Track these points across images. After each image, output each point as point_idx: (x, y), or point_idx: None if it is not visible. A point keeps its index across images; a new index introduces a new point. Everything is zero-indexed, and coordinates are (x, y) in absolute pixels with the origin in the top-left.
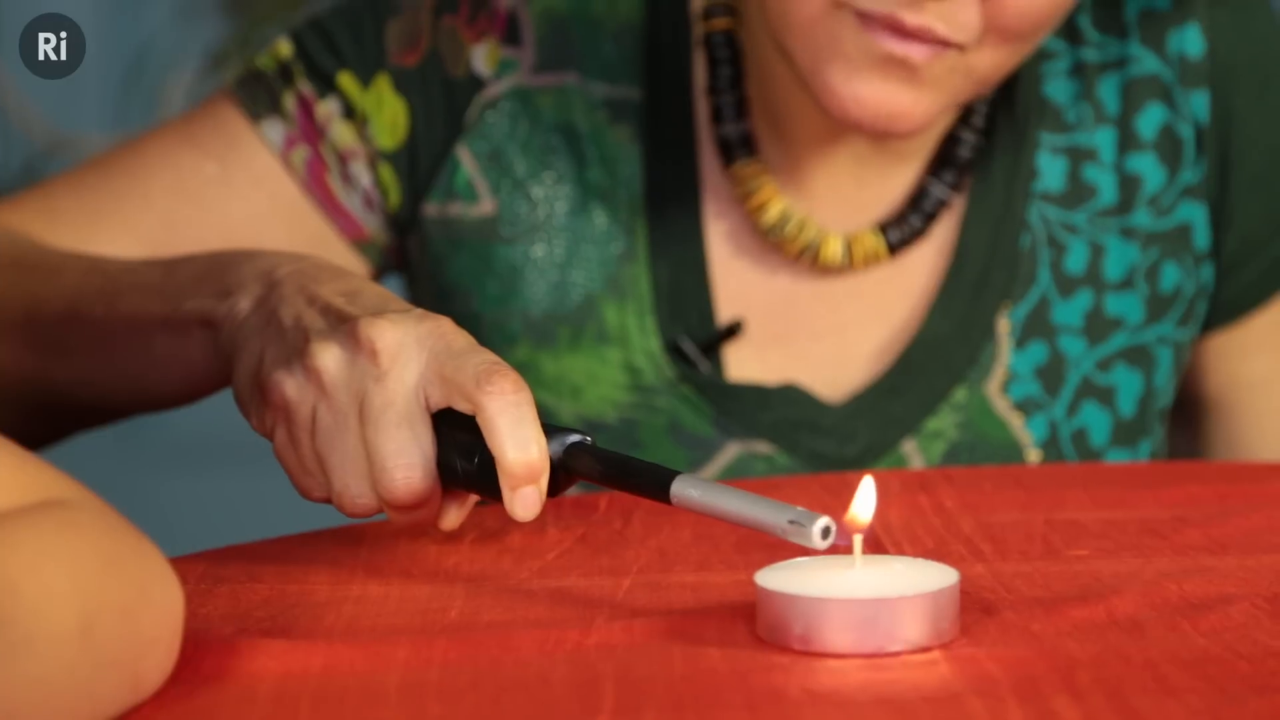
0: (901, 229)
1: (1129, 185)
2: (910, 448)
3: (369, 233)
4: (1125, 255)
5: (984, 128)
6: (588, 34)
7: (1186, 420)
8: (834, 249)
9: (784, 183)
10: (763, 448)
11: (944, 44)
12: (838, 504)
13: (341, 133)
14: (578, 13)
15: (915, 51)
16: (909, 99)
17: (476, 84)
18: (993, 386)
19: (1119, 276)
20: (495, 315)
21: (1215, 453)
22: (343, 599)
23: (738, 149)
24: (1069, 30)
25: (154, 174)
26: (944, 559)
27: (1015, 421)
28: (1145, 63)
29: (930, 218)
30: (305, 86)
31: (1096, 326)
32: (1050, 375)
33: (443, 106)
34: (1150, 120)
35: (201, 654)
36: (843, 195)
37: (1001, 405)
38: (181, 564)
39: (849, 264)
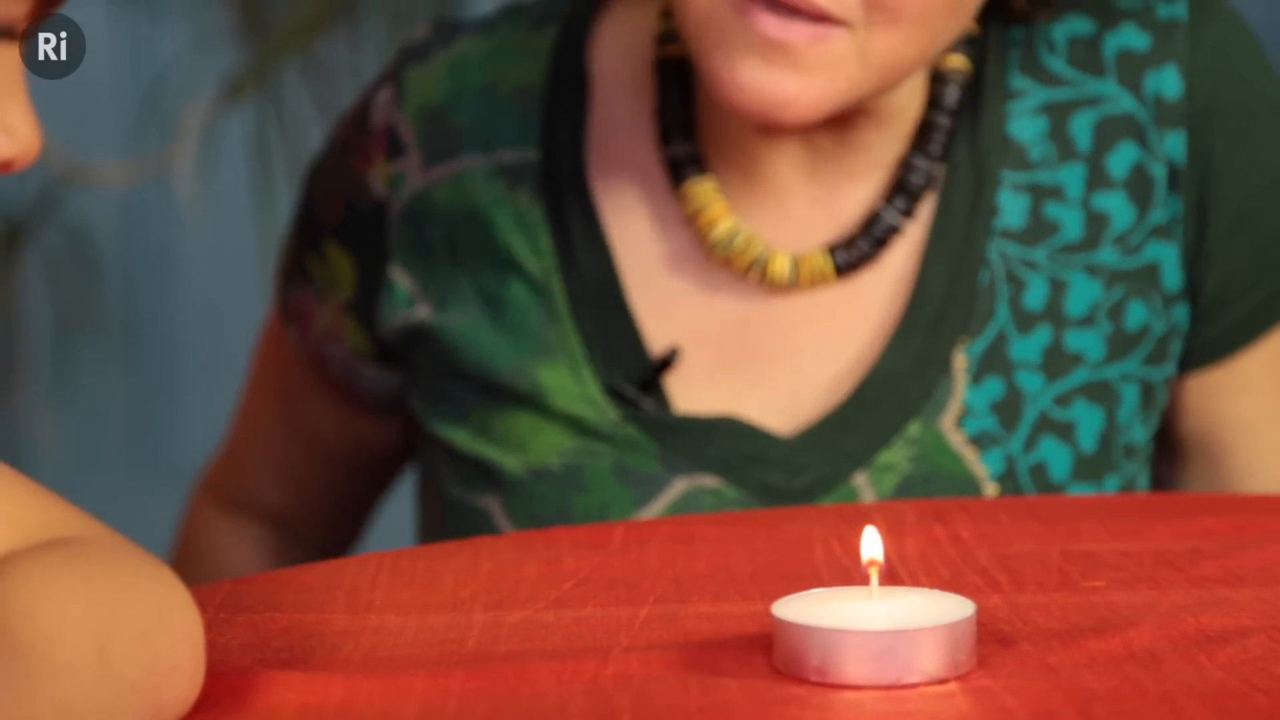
0: (850, 252)
1: (1096, 222)
2: (861, 480)
3: (371, 396)
4: (1088, 292)
5: (940, 156)
6: (468, 112)
7: (1172, 459)
8: (781, 265)
9: (734, 204)
10: (710, 481)
11: (825, 21)
12: (853, 535)
13: (322, 314)
14: (453, 95)
15: (795, 34)
16: (795, 85)
17: (381, 207)
18: (947, 421)
19: (1081, 313)
20: (448, 392)
21: (1203, 491)
22: (360, 629)
23: (687, 167)
24: (1036, 70)
25: (270, 439)
26: (960, 590)
27: (970, 455)
28: (1120, 102)
29: (880, 243)
30: (297, 281)
31: (1055, 362)
32: (1007, 410)
33: (370, 240)
34: (1122, 159)
35: (220, 685)
36: (792, 215)
37: (956, 439)
38: (201, 592)
39: (795, 282)
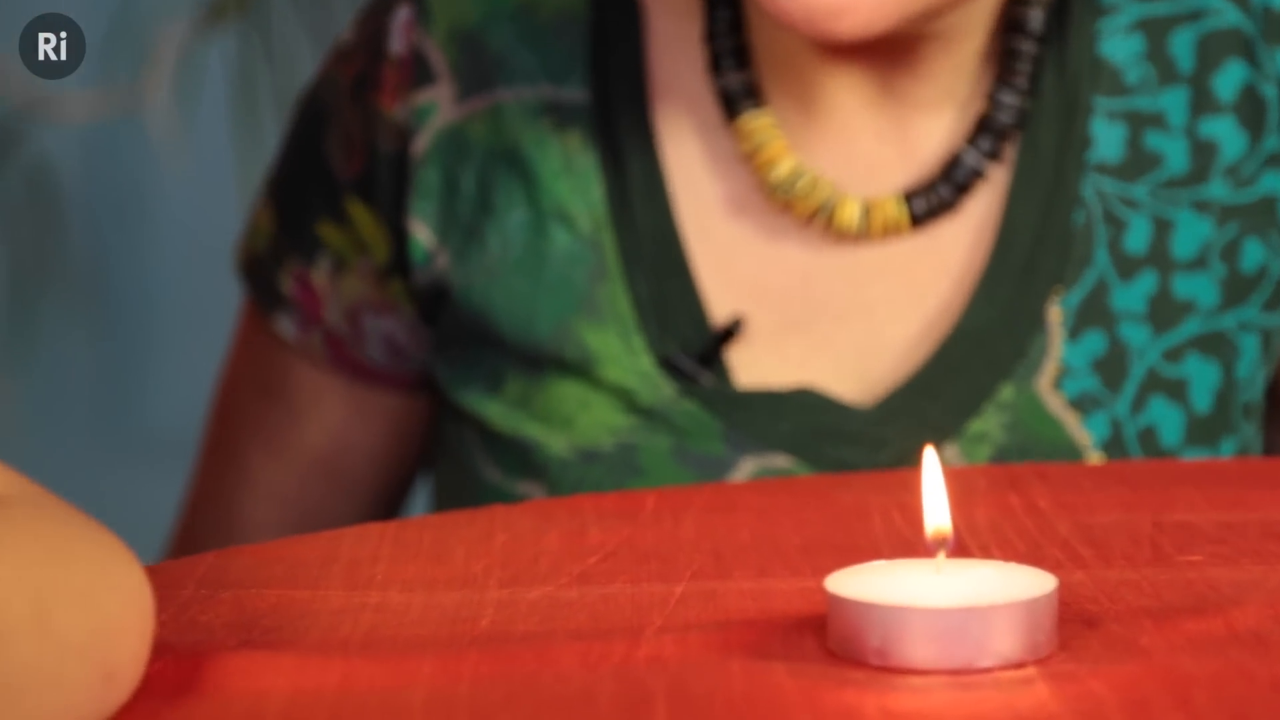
0: (928, 199)
1: (1203, 152)
2: (951, 454)
3: (411, 375)
4: (1197, 231)
5: (1028, 89)
6: (509, 37)
7: (1275, 417)
8: (850, 212)
9: (795, 141)
10: (781, 461)
11: None
12: (916, 503)
13: (345, 288)
14: (487, 17)
15: None
16: None
17: (404, 147)
18: (1044, 383)
19: (1190, 255)
20: (480, 359)
21: None
22: (360, 607)
23: (742, 100)
24: None
25: (248, 455)
26: (1039, 564)
27: (1071, 420)
28: (1226, 15)
29: (961, 189)
30: (295, 261)
31: (1163, 311)
32: (1110, 368)
33: (393, 188)
34: (1229, 79)
35: (202, 668)
36: (859, 152)
37: (1055, 403)
38: (181, 566)
39: (866, 231)
